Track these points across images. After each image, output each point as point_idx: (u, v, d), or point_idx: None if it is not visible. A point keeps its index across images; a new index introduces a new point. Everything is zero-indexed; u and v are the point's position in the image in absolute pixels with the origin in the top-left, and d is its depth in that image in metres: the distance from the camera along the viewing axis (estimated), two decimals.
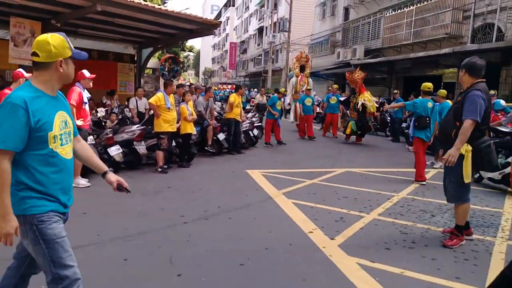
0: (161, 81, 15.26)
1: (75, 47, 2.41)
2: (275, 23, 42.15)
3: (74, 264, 2.33)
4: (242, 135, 11.43)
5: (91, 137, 7.61)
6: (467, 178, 4.44)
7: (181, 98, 9.15)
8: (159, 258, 4.04)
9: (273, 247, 4.44)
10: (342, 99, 15.00)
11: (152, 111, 8.42)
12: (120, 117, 10.52)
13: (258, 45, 50.29)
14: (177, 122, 8.58)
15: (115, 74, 15.55)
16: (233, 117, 10.64)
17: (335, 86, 16.36)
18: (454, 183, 4.57)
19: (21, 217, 2.21)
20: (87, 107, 6.80)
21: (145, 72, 17.22)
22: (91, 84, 6.92)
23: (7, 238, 2.17)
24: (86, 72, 6.79)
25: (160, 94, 8.18)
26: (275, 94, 13.56)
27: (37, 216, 2.23)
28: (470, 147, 4.38)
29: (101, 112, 10.27)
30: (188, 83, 27.01)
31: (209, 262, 3.99)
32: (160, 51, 21.89)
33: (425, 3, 18.73)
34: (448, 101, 9.42)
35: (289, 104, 17.91)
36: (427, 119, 7.80)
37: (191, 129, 8.80)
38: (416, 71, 20.38)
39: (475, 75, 4.51)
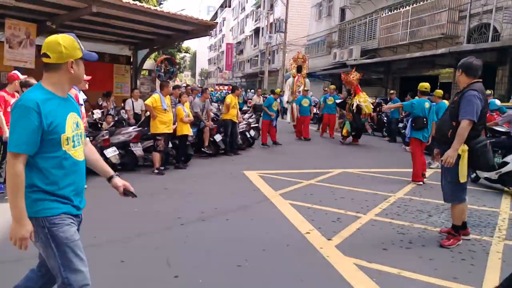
0: (157, 82, 15.25)
1: None
2: (271, 24, 42.20)
3: (84, 269, 2.31)
4: (239, 136, 11.42)
5: (87, 139, 7.56)
6: (463, 178, 4.44)
7: (178, 99, 9.14)
8: (156, 259, 4.03)
9: (270, 248, 4.43)
10: (338, 101, 14.99)
11: (148, 113, 8.40)
12: (116, 119, 10.47)
13: (255, 46, 50.31)
14: (174, 124, 8.56)
15: (111, 76, 15.48)
16: (229, 118, 10.62)
17: (332, 86, 16.36)
18: (450, 183, 4.58)
19: (33, 219, 2.19)
20: (83, 109, 6.77)
21: (141, 73, 17.17)
22: (87, 86, 6.88)
23: (22, 242, 2.15)
24: None
25: (156, 96, 8.16)
26: (271, 95, 13.56)
27: (50, 219, 2.21)
28: (466, 147, 4.38)
29: (97, 113, 10.23)
30: (185, 84, 26.93)
31: (206, 264, 3.97)
32: (156, 53, 21.86)
33: (421, 3, 18.79)
34: (445, 101, 9.43)
35: (287, 102, 17.90)
36: (424, 119, 7.81)
37: (187, 130, 8.79)
38: (413, 71, 20.45)
39: (472, 75, 4.51)
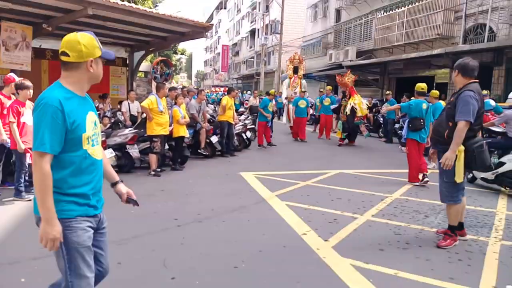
0: (154, 84, 15.21)
1: None
2: (267, 25, 42.24)
3: (90, 275, 2.27)
4: (235, 138, 11.42)
5: None
6: (459, 178, 4.45)
7: (174, 101, 9.13)
8: (152, 261, 4.01)
9: (267, 249, 4.42)
10: (333, 107, 14.95)
11: (144, 114, 8.39)
12: (112, 121, 10.47)
13: (250, 47, 50.35)
14: (170, 125, 8.56)
15: (107, 78, 15.47)
16: (226, 120, 10.61)
17: (329, 87, 16.37)
18: (446, 183, 4.59)
19: None
20: None
21: (137, 75, 17.16)
22: None
23: (54, 243, 2.11)
24: None
25: (152, 97, 8.14)
26: (266, 96, 13.57)
27: (65, 221, 2.17)
28: (462, 147, 4.39)
29: None
30: (181, 86, 26.98)
31: (202, 265, 3.96)
32: (152, 54, 21.82)
33: (417, 4, 18.83)
34: (441, 101, 9.45)
35: (286, 98, 17.84)
36: (421, 120, 7.79)
37: (184, 132, 8.78)
38: (408, 72, 20.48)
39: (468, 75, 4.53)
